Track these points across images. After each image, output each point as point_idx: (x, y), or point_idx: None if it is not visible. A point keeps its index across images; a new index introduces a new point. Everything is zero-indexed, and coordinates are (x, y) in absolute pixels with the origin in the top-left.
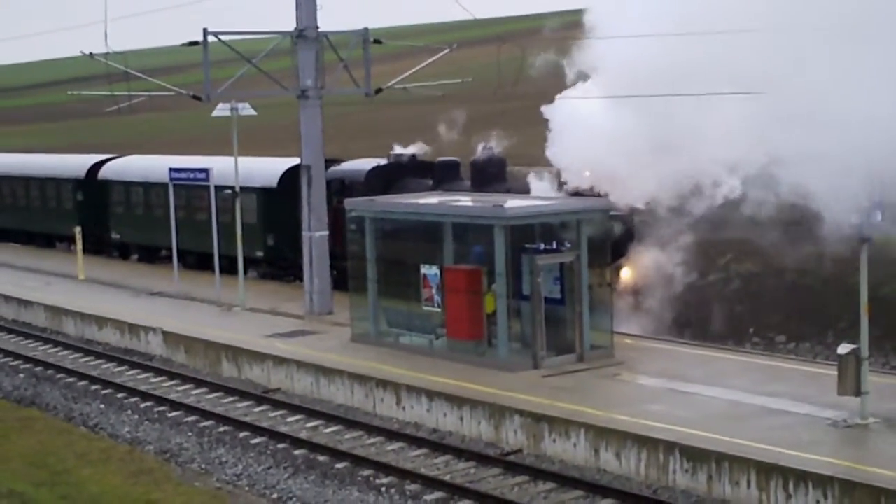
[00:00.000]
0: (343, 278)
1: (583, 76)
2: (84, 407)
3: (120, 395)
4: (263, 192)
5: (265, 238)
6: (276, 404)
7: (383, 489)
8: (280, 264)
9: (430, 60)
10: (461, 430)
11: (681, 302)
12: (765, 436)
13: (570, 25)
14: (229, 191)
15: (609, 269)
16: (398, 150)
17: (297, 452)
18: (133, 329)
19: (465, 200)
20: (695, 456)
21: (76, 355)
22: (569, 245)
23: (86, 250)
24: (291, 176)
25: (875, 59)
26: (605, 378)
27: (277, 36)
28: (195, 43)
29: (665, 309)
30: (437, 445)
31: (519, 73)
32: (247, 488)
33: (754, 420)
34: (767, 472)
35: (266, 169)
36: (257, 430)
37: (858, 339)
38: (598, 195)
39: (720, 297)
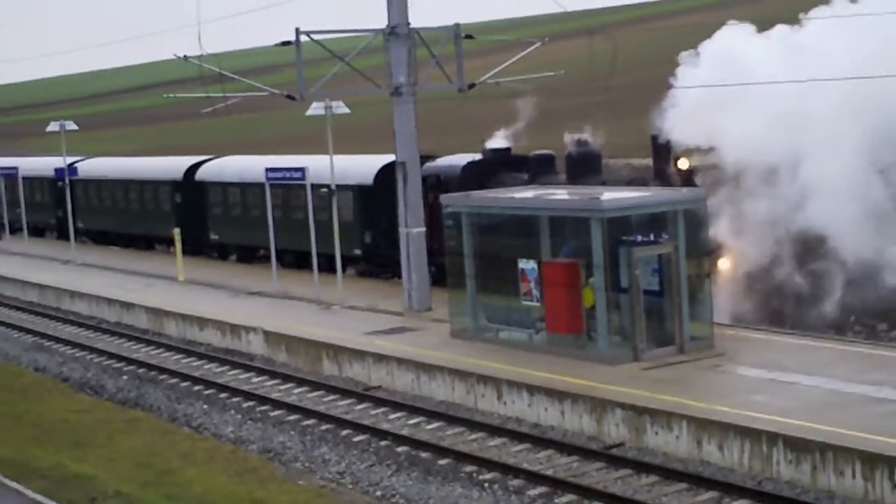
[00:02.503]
0: (441, 274)
1: None
2: (187, 407)
3: (222, 395)
4: (359, 190)
5: (362, 235)
6: (378, 401)
7: (486, 485)
8: (378, 261)
9: (522, 54)
10: (563, 424)
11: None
12: (868, 425)
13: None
14: (325, 189)
15: (707, 260)
16: (492, 143)
17: (399, 449)
18: (234, 329)
19: (561, 194)
20: (798, 446)
21: (178, 356)
22: (666, 236)
23: (185, 251)
24: (387, 173)
25: None
26: (706, 369)
27: (369, 34)
28: (288, 43)
29: (765, 298)
30: (539, 440)
31: (612, 64)
32: (350, 486)
33: (857, 409)
34: (872, 461)
35: (361, 166)
36: (359, 427)
37: None
38: None
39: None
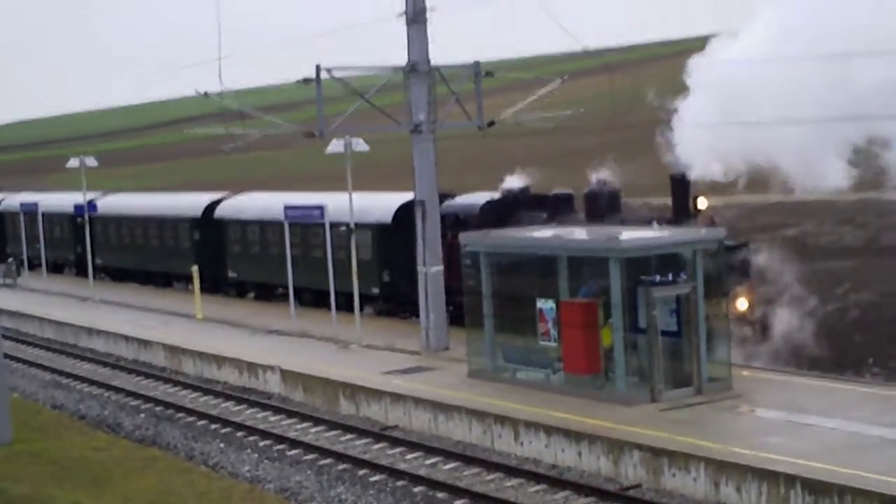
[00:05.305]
0: (459, 313)
1: None
2: (204, 446)
3: (239, 434)
4: (378, 228)
5: (380, 274)
6: (395, 441)
7: None
8: (396, 300)
9: (541, 92)
10: (580, 465)
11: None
12: (887, 467)
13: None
14: (344, 227)
15: (726, 300)
16: (509, 183)
17: (416, 489)
18: (251, 368)
19: (579, 233)
20: (817, 489)
21: (195, 394)
22: (684, 276)
23: (203, 289)
24: (406, 211)
25: None
26: (724, 411)
27: (389, 71)
28: (308, 80)
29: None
30: (555, 481)
31: (631, 102)
32: None
33: (876, 451)
34: None
35: (380, 205)
36: (376, 467)
37: None
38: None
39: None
